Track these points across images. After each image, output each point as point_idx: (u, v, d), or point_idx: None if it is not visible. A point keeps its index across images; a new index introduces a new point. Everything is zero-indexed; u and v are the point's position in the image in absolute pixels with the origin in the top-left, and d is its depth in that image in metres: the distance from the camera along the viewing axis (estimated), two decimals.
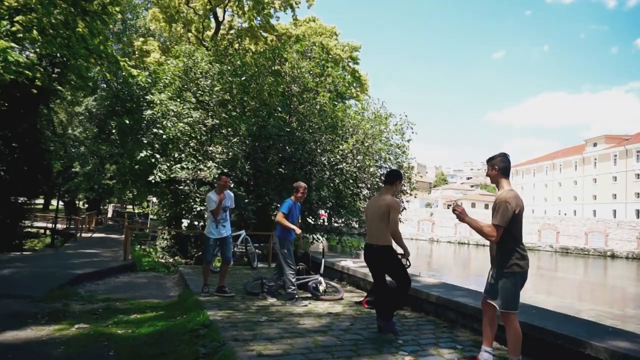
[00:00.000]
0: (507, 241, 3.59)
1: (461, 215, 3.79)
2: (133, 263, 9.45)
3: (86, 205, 43.95)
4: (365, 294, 6.27)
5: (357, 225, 14.81)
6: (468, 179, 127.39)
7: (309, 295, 6.41)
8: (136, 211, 39.06)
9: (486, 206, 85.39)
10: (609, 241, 38.69)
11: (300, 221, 5.89)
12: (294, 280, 5.91)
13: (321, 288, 6.42)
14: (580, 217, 52.14)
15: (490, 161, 3.85)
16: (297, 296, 5.86)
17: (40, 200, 45.66)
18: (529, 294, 14.54)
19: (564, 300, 15.07)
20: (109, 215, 42.87)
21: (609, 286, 20.15)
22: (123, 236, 14.91)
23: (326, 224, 15.78)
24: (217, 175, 13.08)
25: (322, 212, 15.26)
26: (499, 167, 3.76)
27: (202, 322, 4.62)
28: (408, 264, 4.91)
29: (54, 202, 39.90)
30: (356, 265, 8.02)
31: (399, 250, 4.74)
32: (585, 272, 26.17)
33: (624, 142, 60.68)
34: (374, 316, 5.25)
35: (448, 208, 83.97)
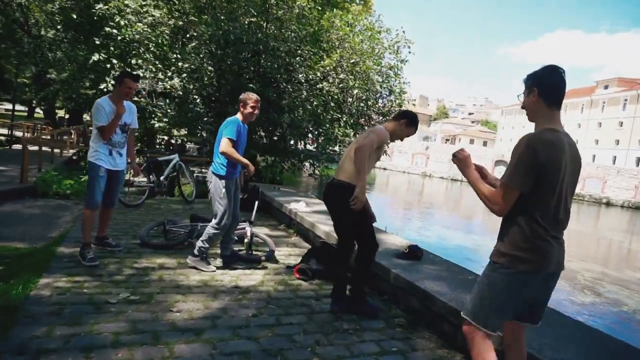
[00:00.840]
0: (515, 214, 1.96)
1: (462, 164, 2.20)
2: (32, 187, 7.63)
3: (67, 116, 41.33)
4: (299, 260, 4.51)
5: (337, 149, 12.78)
6: (470, 114, 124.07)
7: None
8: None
9: (485, 143, 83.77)
10: (606, 188, 37.39)
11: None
12: (214, 239, 4.12)
13: (246, 241, 4.66)
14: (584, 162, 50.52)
15: (528, 80, 2.10)
16: (204, 255, 4.10)
17: (23, 108, 43.09)
18: None
19: None
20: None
21: (604, 239, 18.90)
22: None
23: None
24: (177, 86, 11.03)
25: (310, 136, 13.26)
26: (541, 88, 2.03)
27: (10, 300, 2.89)
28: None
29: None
30: (309, 208, 6.27)
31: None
32: (578, 220, 24.97)
33: (637, 87, 57.55)
34: (302, 295, 3.57)
35: (446, 142, 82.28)
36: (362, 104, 12.91)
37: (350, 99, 12.89)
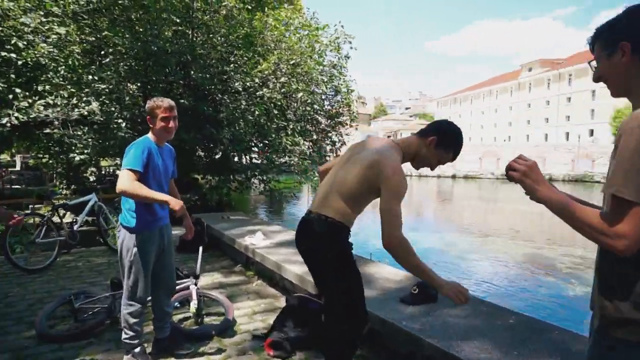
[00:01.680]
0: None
1: (528, 178, 1.27)
2: None
3: None
4: (271, 326, 3.25)
5: (289, 159, 11.41)
6: (407, 109, 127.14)
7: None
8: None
9: None
10: (547, 165, 38.76)
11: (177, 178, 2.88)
12: (136, 319, 2.75)
13: (192, 306, 3.36)
14: (521, 142, 52.62)
15: (608, 34, 1.28)
16: (136, 350, 2.77)
17: None
18: (482, 241, 12.56)
19: (521, 243, 13.31)
20: (17, 167, 34.69)
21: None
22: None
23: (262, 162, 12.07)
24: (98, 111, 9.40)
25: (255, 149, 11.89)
26: (634, 38, 1.20)
27: None
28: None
29: None
30: (269, 241, 5.04)
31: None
32: (524, 200, 25.35)
33: (557, 66, 60.92)
34: None
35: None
36: (308, 108, 11.81)
37: (294, 104, 11.76)
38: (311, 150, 12.43)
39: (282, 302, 4.00)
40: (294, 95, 11.33)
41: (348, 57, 12.49)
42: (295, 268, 3.95)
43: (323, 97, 12.63)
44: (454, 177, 39.47)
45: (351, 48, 12.65)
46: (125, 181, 2.48)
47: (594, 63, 1.34)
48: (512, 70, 74.64)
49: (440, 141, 2.15)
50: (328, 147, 13.43)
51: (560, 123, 57.23)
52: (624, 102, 43.26)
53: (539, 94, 61.66)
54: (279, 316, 3.19)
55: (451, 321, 2.78)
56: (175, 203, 2.51)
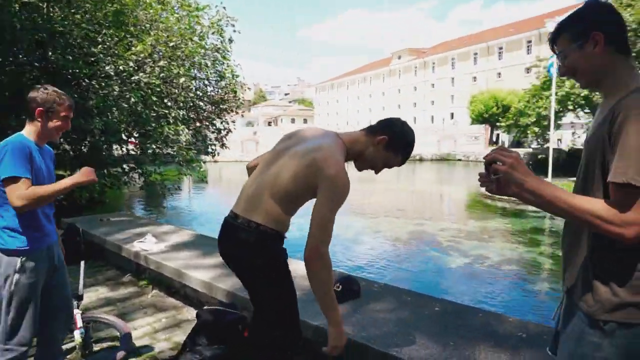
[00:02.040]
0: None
1: (512, 172, 1.18)
2: None
3: None
4: (181, 346, 2.80)
5: (171, 150, 10.46)
6: (286, 94, 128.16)
7: None
8: None
9: (305, 121, 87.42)
10: (416, 145, 42.13)
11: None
12: None
13: (77, 336, 2.76)
14: None
15: (578, 26, 1.29)
16: None
17: None
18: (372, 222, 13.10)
19: (406, 220, 14.20)
20: None
21: (431, 193, 20.69)
22: None
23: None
24: None
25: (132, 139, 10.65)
26: (605, 28, 1.23)
27: None
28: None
29: None
30: (162, 244, 4.48)
31: None
32: (407, 178, 27.29)
33: (423, 55, 66.42)
34: None
35: (269, 125, 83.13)
36: (190, 94, 11.00)
37: (176, 90, 10.85)
38: (195, 139, 11.68)
39: (186, 314, 3.56)
40: (174, 81, 10.44)
41: (232, 41, 11.88)
42: (199, 274, 3.53)
43: (206, 82, 11.91)
44: None
45: (234, 31, 12.06)
46: (19, 195, 1.93)
47: (568, 53, 1.31)
48: (384, 58, 79.50)
49: (391, 142, 1.88)
50: (213, 135, 12.77)
51: (427, 107, 62.68)
52: (478, 89, 48.88)
53: (408, 81, 66.68)
54: (190, 334, 2.78)
55: (381, 317, 2.67)
56: (85, 172, 2.11)
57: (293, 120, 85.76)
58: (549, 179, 16.29)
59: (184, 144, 10.35)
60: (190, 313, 3.56)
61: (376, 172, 2.00)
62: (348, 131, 1.99)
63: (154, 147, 10.08)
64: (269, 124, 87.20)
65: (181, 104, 11.19)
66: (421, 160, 39.24)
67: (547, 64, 19.37)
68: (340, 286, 2.97)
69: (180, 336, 3.13)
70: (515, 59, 50.38)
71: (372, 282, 3.35)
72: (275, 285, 1.84)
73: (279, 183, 1.77)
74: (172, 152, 10.36)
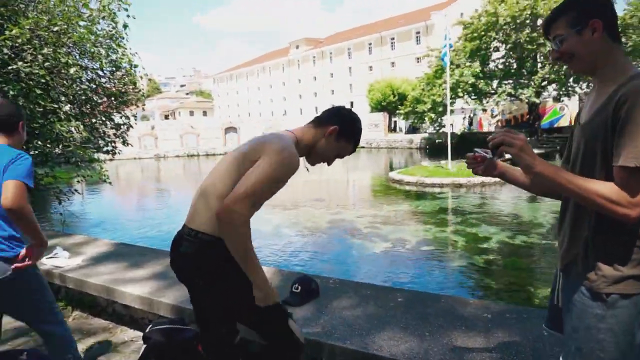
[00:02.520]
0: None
1: (522, 154, 1.24)
2: None
3: None
4: None
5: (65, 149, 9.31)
6: (182, 86, 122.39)
7: None
8: None
9: (205, 113, 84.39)
10: None
11: None
12: None
13: None
14: (297, 116, 56.61)
15: (567, 9, 1.31)
16: None
17: None
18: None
19: (323, 210, 14.33)
20: None
21: (343, 181, 21.18)
22: None
23: None
24: None
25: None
26: (603, 16, 1.27)
27: None
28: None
29: None
30: (79, 258, 3.92)
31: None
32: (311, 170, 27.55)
33: (320, 45, 67.47)
34: None
35: (166, 119, 78.83)
36: (84, 86, 9.85)
37: (65, 82, 9.63)
38: (92, 136, 10.55)
39: (120, 335, 3.15)
40: (63, 71, 9.25)
41: (126, 27, 10.84)
42: (134, 289, 3.13)
43: (100, 73, 10.75)
44: None
45: (128, 16, 11.01)
46: (23, 198, 1.98)
47: (565, 39, 1.32)
48: (282, 47, 79.33)
49: (342, 131, 1.82)
50: (112, 132, 11.65)
51: (327, 96, 63.97)
52: (374, 78, 50.96)
53: (307, 70, 67.36)
54: (140, 358, 2.43)
55: (349, 315, 2.56)
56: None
57: (192, 113, 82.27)
58: (449, 160, 17.52)
59: (80, 142, 9.26)
60: (125, 334, 3.15)
61: (329, 164, 1.92)
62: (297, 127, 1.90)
63: (44, 146, 8.88)
64: (166, 117, 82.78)
65: (71, 98, 9.99)
66: None
67: (440, 54, 20.72)
68: (299, 287, 2.81)
69: None
70: (407, 49, 53.36)
71: (326, 278, 3.23)
72: (219, 294, 1.70)
73: (221, 187, 1.64)
74: (65, 152, 9.22)
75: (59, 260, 3.82)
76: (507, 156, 1.34)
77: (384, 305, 2.68)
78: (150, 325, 2.63)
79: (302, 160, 1.87)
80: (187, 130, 41.28)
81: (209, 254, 1.65)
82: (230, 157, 1.73)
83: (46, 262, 3.82)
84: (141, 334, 3.08)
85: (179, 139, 41.37)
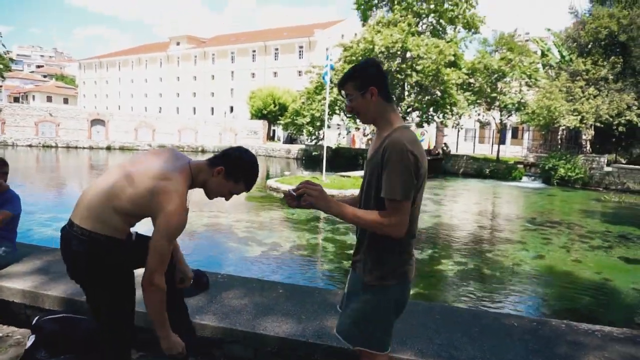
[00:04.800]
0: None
1: (319, 202, 1.73)
2: None
3: None
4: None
5: None
6: (39, 67, 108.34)
7: None
8: None
9: (66, 100, 75.88)
10: (199, 137, 41.80)
11: None
12: None
13: None
14: (174, 114, 54.07)
15: (353, 77, 1.80)
16: None
17: None
18: None
19: (200, 213, 14.16)
20: None
21: None
22: None
23: None
24: None
25: None
26: (378, 84, 1.80)
27: None
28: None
29: None
30: None
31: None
32: None
33: (203, 44, 65.73)
34: None
35: (16, 101, 68.93)
36: None
37: None
38: None
39: None
40: None
41: None
42: (12, 283, 3.05)
43: None
44: (109, 148, 37.03)
45: None
46: None
47: (354, 97, 1.80)
48: (161, 41, 75.38)
49: (228, 171, 1.97)
50: None
51: (207, 98, 62.49)
52: (256, 85, 51.34)
53: (187, 69, 65.05)
54: (28, 349, 2.46)
55: (238, 304, 2.91)
56: None
57: (50, 99, 73.44)
58: (323, 172, 18.65)
59: None
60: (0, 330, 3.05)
61: (226, 199, 2.08)
62: (198, 160, 2.07)
63: None
64: (16, 99, 72.60)
65: None
66: (203, 151, 39.16)
67: (322, 72, 21.99)
68: (192, 280, 3.07)
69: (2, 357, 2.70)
70: (289, 61, 54.94)
71: (215, 273, 3.52)
72: (108, 290, 1.95)
73: (121, 197, 1.84)
74: None
75: None
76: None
77: (267, 295, 3.09)
78: (38, 317, 2.66)
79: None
80: (45, 118, 36.85)
81: (100, 252, 1.86)
82: (128, 170, 1.90)
83: None
84: (16, 329, 3.05)
85: (34, 126, 36.73)
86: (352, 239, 9.89)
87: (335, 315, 2.83)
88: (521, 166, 26.11)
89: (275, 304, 2.93)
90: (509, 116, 27.91)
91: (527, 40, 31.84)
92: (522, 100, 26.08)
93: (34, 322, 2.62)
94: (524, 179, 25.12)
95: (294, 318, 2.74)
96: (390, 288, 1.79)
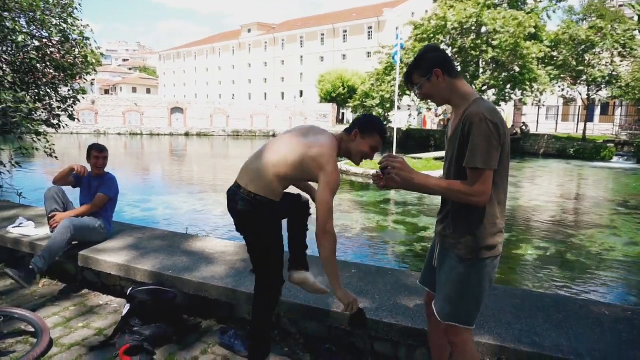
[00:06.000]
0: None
1: (401, 173, 1.78)
2: None
3: None
4: (114, 330, 2.76)
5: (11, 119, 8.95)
6: (125, 60, 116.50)
7: None
8: None
9: (148, 91, 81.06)
10: (270, 122, 42.84)
11: None
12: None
13: None
14: (245, 100, 55.86)
15: (416, 66, 1.87)
16: None
17: None
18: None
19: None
20: None
21: None
22: None
23: None
24: None
25: None
26: (440, 64, 1.83)
27: None
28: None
29: None
30: (46, 229, 4.05)
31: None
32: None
33: (272, 31, 66.83)
34: None
35: (106, 93, 74.90)
36: (32, 55, 9.46)
37: (9, 49, 9.22)
38: (37, 108, 10.14)
39: (95, 299, 3.38)
40: (10, 37, 8.85)
41: None
42: (108, 257, 3.36)
43: (48, 43, 10.32)
44: (187, 134, 39.14)
45: None
46: None
47: (421, 84, 1.85)
48: (233, 30, 77.68)
49: (363, 131, 2.24)
50: (56, 105, 11.23)
51: (277, 83, 63.71)
52: (325, 68, 51.40)
53: (258, 55, 66.59)
54: (124, 316, 2.71)
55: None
56: None
57: (134, 90, 78.86)
58: (394, 153, 18.39)
59: (26, 113, 8.94)
60: (99, 298, 3.38)
61: (370, 158, 2.31)
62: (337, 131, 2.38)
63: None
64: (106, 92, 78.77)
65: (16, 65, 9.59)
66: (274, 135, 40.12)
67: (392, 52, 21.48)
68: None
69: (99, 322, 3.00)
70: (358, 42, 54.29)
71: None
72: (265, 240, 2.30)
73: (283, 165, 2.16)
74: (9, 123, 8.86)
75: (25, 229, 3.93)
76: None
77: (341, 275, 3.12)
78: (131, 288, 2.91)
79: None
80: (131, 108, 39.66)
81: (262, 211, 2.19)
82: (289, 141, 2.21)
83: (13, 232, 3.92)
84: (114, 298, 3.36)
85: (122, 116, 39.72)
86: (423, 221, 9.70)
87: (408, 295, 2.81)
88: (612, 145, 23.93)
89: (348, 284, 2.96)
90: (597, 91, 25.60)
91: (621, 6, 28.82)
92: (614, 73, 23.75)
93: (127, 292, 2.87)
94: (615, 158, 23.03)
95: (367, 297, 2.76)
96: (485, 261, 1.80)
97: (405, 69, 1.98)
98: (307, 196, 2.59)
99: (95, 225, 3.62)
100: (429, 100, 1.95)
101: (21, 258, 3.89)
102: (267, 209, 2.20)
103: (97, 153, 3.78)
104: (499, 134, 1.67)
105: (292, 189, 2.40)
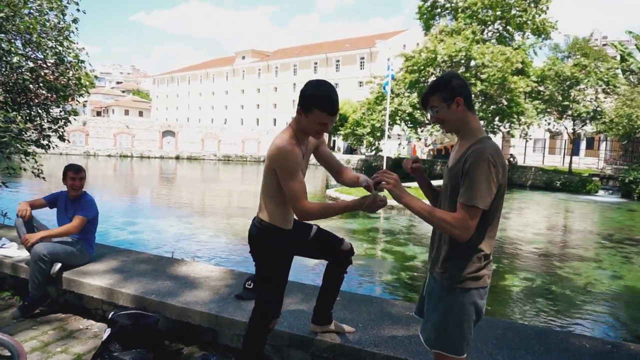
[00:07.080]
0: (475, 235, 1.80)
1: (394, 190, 1.82)
2: None
3: None
4: (94, 355, 2.71)
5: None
6: (118, 83, 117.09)
7: None
8: None
9: (140, 113, 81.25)
10: (261, 147, 43.05)
11: None
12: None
13: None
14: (238, 126, 56.15)
15: (439, 89, 1.86)
16: None
17: None
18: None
19: (236, 219, 14.56)
20: None
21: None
22: None
23: None
24: None
25: None
26: (463, 94, 1.84)
27: None
28: None
29: None
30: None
31: None
32: (243, 179, 27.71)
33: (266, 58, 67.93)
34: None
35: (98, 115, 74.89)
36: (25, 76, 9.50)
37: (3, 69, 9.25)
38: (27, 128, 10.11)
39: (75, 324, 3.32)
40: (4, 58, 8.91)
41: (76, 21, 10.62)
42: (94, 281, 3.33)
43: (43, 65, 10.39)
44: (177, 158, 39.12)
45: (78, 10, 10.79)
46: None
47: (438, 111, 1.87)
48: (227, 56, 78.81)
49: (303, 105, 2.05)
50: (47, 126, 11.21)
51: (270, 110, 64.31)
52: None
53: (251, 82, 67.43)
54: (104, 341, 2.67)
55: (295, 308, 2.98)
56: None
57: (127, 112, 79.09)
58: None
59: (16, 133, 8.90)
60: (79, 322, 3.33)
61: (325, 131, 2.15)
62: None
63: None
64: (98, 113, 78.80)
65: (9, 86, 9.60)
66: (265, 161, 40.31)
67: (383, 82, 21.93)
68: (252, 283, 3.19)
69: (78, 346, 2.94)
70: (350, 72, 55.30)
71: None
72: (266, 267, 2.31)
73: (264, 183, 2.21)
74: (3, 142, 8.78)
75: (9, 251, 3.88)
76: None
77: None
78: (113, 312, 2.87)
79: None
80: (122, 130, 39.69)
81: (269, 239, 2.23)
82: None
83: None
84: (95, 322, 3.32)
85: (112, 138, 39.68)
86: (411, 250, 9.71)
87: (392, 324, 2.82)
88: (597, 179, 24.37)
89: (331, 312, 2.96)
90: (582, 125, 26.23)
91: (604, 45, 29.89)
92: (599, 109, 24.41)
93: (109, 316, 2.84)
94: (600, 192, 23.42)
95: (350, 325, 2.75)
96: (469, 291, 1.82)
97: (420, 98, 1.94)
98: (350, 244, 2.59)
99: (73, 249, 3.53)
100: (434, 124, 1.94)
101: (2, 280, 3.84)
102: (274, 236, 2.22)
103: (74, 174, 3.60)
104: (498, 177, 1.72)
105: (336, 231, 2.45)
